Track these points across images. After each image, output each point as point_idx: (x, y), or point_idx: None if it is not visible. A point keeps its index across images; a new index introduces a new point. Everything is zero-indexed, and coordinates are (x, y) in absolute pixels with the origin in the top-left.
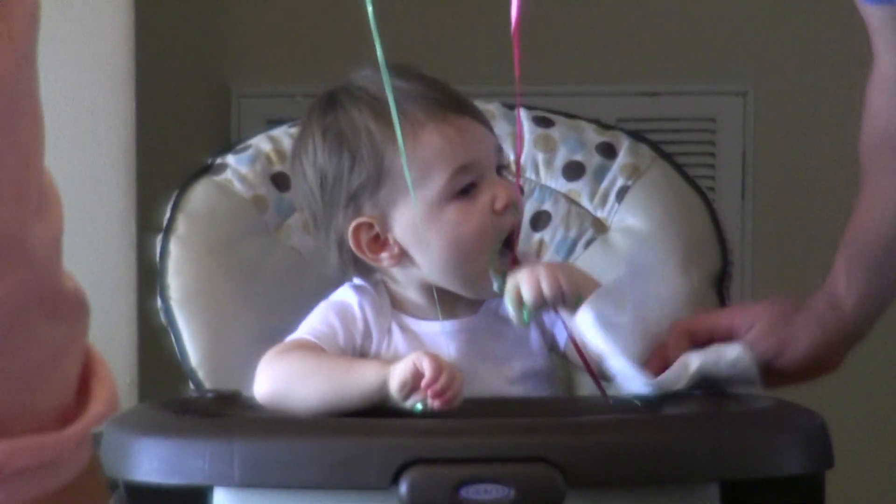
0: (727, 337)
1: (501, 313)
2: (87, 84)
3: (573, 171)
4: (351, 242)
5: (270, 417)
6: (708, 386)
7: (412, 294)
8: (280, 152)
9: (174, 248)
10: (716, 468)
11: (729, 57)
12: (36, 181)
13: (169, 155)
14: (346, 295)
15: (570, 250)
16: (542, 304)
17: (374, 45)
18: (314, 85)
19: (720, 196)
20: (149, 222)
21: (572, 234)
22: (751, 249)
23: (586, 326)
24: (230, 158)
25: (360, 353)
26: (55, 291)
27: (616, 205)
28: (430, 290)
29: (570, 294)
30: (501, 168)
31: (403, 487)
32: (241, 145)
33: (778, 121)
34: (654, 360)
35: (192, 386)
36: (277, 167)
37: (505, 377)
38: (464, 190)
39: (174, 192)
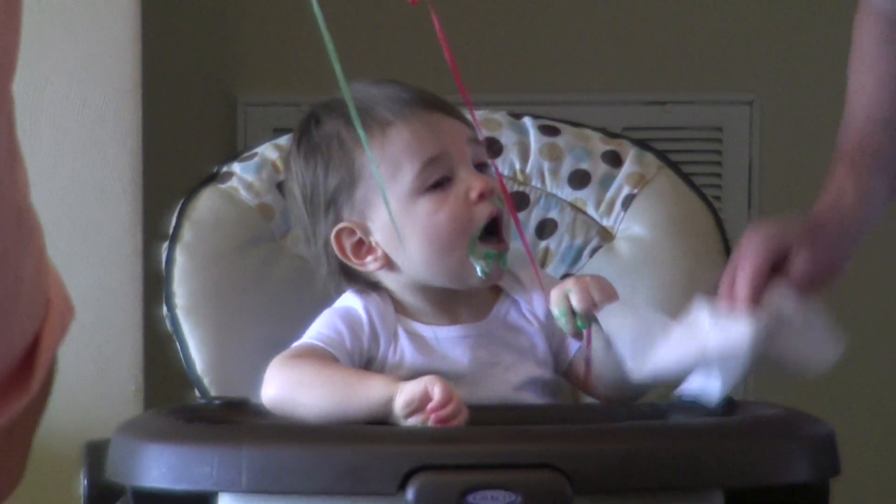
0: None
1: (509, 321)
2: (94, 93)
3: (579, 179)
4: (335, 248)
5: (278, 424)
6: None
7: (411, 299)
8: (291, 180)
9: (180, 256)
10: (721, 475)
11: (735, 66)
12: None
13: (175, 163)
14: (350, 301)
15: (576, 258)
16: (592, 311)
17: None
18: (320, 94)
19: (726, 205)
20: (155, 230)
21: (578, 242)
22: None
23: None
24: (236, 167)
25: (368, 357)
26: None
27: (622, 213)
28: (428, 294)
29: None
30: (482, 165)
31: (410, 494)
32: (247, 154)
33: (784, 129)
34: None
35: (197, 393)
36: (283, 176)
37: (510, 384)
38: (437, 183)
39: (180, 201)
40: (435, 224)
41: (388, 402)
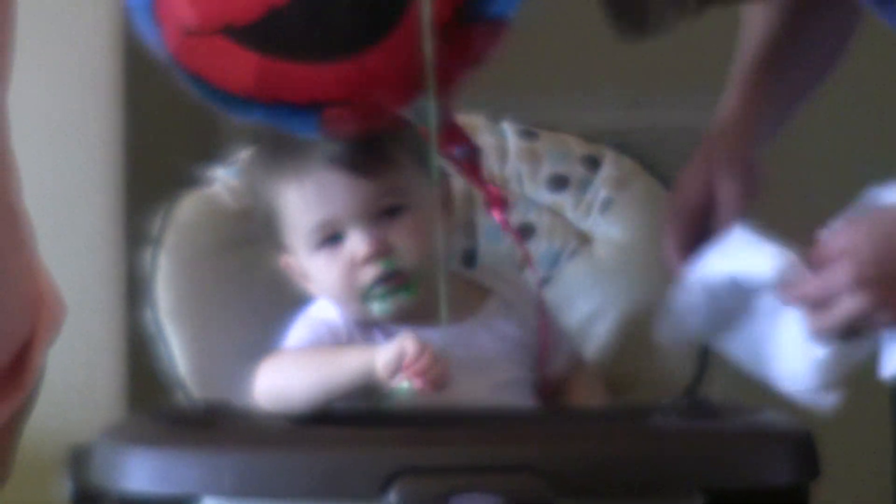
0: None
1: (493, 322)
2: (75, 94)
3: (557, 183)
4: (286, 270)
5: (260, 427)
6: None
7: None
8: None
9: (163, 259)
10: (701, 478)
11: (716, 66)
12: None
13: (157, 166)
14: (326, 309)
15: (555, 262)
16: None
17: None
18: None
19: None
20: (136, 233)
21: (556, 245)
22: None
23: None
24: (219, 171)
25: None
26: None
27: (600, 217)
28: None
29: None
30: (394, 209)
31: (392, 497)
32: (231, 158)
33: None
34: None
35: (181, 396)
36: None
37: (489, 384)
38: (332, 242)
39: (163, 204)
40: (327, 281)
41: (370, 368)
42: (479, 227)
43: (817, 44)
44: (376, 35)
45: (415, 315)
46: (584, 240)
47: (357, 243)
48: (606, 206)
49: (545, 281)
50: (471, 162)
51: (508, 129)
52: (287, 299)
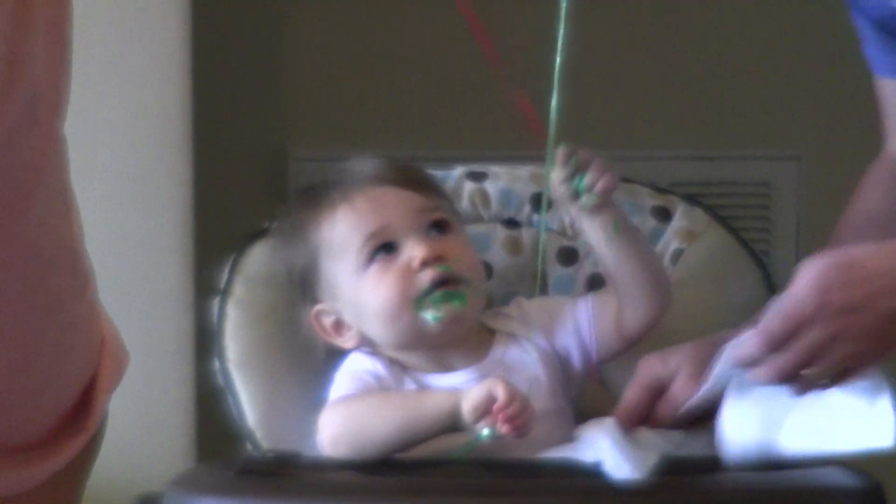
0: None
1: (507, 360)
2: (146, 147)
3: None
4: (316, 329)
5: (331, 479)
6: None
7: (404, 358)
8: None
9: (231, 310)
10: None
11: (783, 121)
12: None
13: (226, 218)
14: (359, 360)
15: None
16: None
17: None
18: (370, 149)
19: (774, 260)
20: (206, 285)
21: None
22: None
23: None
24: None
25: None
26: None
27: (671, 268)
28: (415, 351)
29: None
30: (442, 224)
31: None
32: None
33: (832, 185)
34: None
35: (249, 447)
36: None
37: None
38: (384, 253)
39: (231, 255)
40: (379, 295)
41: (455, 411)
42: (550, 279)
43: None
44: None
45: (440, 365)
46: None
47: (413, 249)
48: (677, 257)
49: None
50: None
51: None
52: (328, 353)
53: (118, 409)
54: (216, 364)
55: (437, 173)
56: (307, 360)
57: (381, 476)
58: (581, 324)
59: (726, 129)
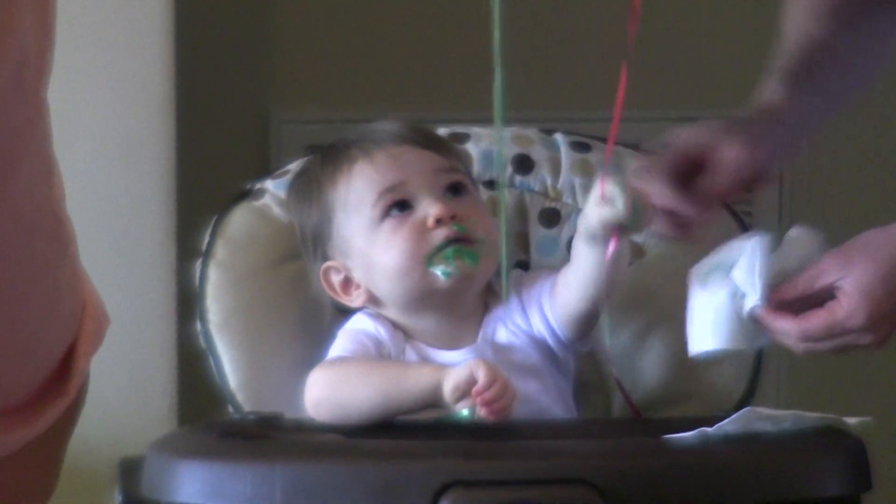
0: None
1: (497, 341)
2: (128, 111)
3: None
4: (325, 287)
5: (312, 440)
6: None
7: (409, 323)
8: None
9: (213, 272)
10: (753, 490)
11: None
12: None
13: (208, 180)
14: (362, 322)
15: None
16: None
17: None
18: (354, 111)
19: (757, 221)
20: (188, 247)
21: None
22: None
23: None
24: (269, 184)
25: None
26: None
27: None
28: (422, 318)
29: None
30: (458, 186)
31: None
32: (281, 171)
33: (816, 142)
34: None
35: (231, 409)
36: None
37: (518, 398)
38: (399, 209)
39: (213, 218)
40: (392, 249)
41: (437, 389)
42: (532, 240)
43: (860, 51)
44: None
45: (443, 338)
46: (637, 252)
47: (429, 207)
48: None
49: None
50: None
51: (562, 141)
52: (336, 310)
53: (100, 373)
54: (198, 327)
55: None
56: (289, 322)
57: (363, 438)
58: (543, 306)
59: (710, 90)
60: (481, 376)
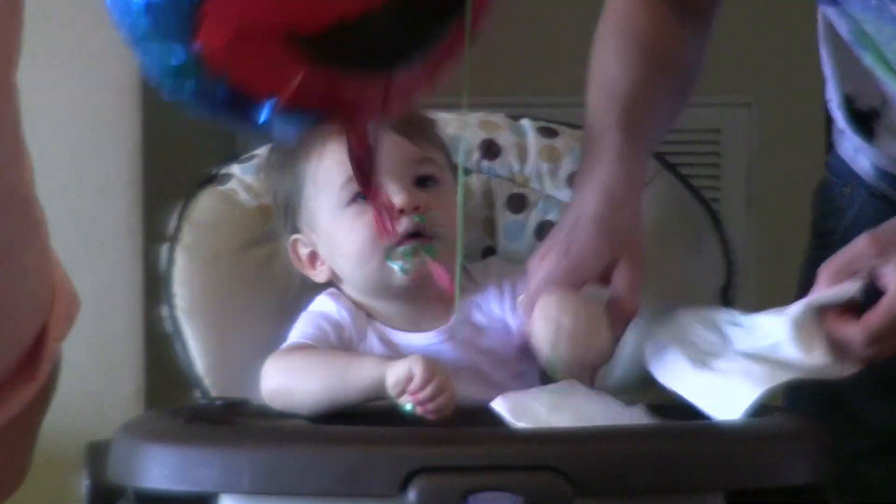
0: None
1: (473, 321)
2: (93, 93)
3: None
4: (292, 258)
5: (279, 426)
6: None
7: (371, 304)
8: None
9: (180, 257)
10: (722, 477)
11: (732, 69)
12: None
13: (174, 164)
14: (324, 304)
15: None
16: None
17: None
18: None
19: (725, 206)
20: (154, 231)
21: None
22: (755, 259)
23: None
24: (235, 168)
25: None
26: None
27: None
28: (383, 301)
29: None
30: (426, 178)
31: (411, 496)
32: (247, 155)
33: (781, 131)
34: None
35: (198, 394)
36: None
37: (486, 383)
38: (364, 196)
39: (180, 202)
40: (353, 235)
41: (380, 383)
42: (499, 226)
43: (681, 67)
44: (418, 51)
45: (407, 321)
46: None
47: (395, 194)
48: None
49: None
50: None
51: (529, 127)
52: (304, 297)
53: (67, 357)
54: (164, 311)
55: None
56: (256, 307)
57: (329, 423)
58: (506, 303)
59: None
60: (417, 375)
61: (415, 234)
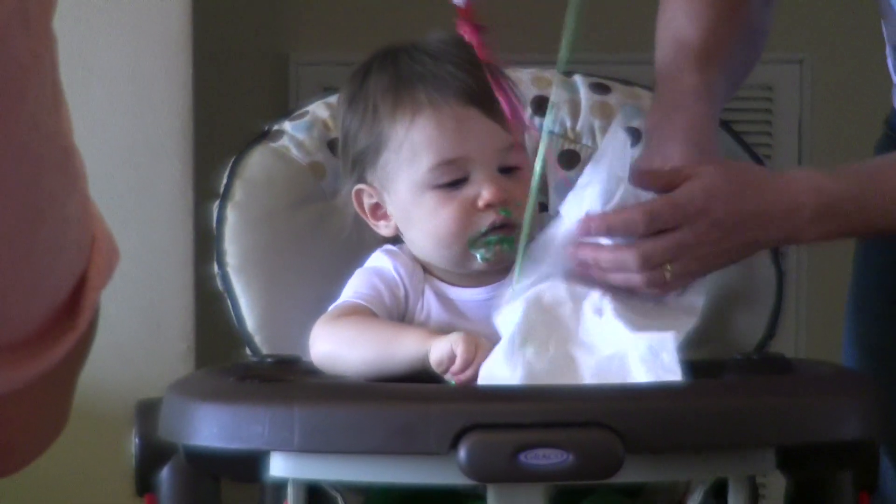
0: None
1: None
2: (145, 53)
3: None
4: (354, 203)
5: (330, 383)
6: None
7: (430, 260)
8: (337, 119)
9: (231, 214)
10: (773, 433)
11: (785, 25)
12: None
13: (226, 122)
14: (380, 260)
15: None
16: None
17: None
18: (371, 52)
19: (777, 163)
20: (206, 189)
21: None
22: None
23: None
24: (287, 125)
25: (403, 312)
26: (54, 143)
27: None
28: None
29: None
30: (513, 169)
31: (462, 453)
32: (299, 112)
33: (834, 88)
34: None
35: (248, 351)
36: (334, 134)
37: None
38: (451, 183)
39: (231, 159)
40: (436, 220)
41: (424, 358)
42: (551, 182)
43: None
44: None
45: (464, 278)
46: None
47: (483, 187)
48: None
49: None
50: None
51: (581, 83)
52: (355, 255)
53: (117, 315)
54: (215, 269)
55: None
56: (307, 265)
57: (379, 381)
58: None
59: None
60: (459, 356)
61: (500, 226)
